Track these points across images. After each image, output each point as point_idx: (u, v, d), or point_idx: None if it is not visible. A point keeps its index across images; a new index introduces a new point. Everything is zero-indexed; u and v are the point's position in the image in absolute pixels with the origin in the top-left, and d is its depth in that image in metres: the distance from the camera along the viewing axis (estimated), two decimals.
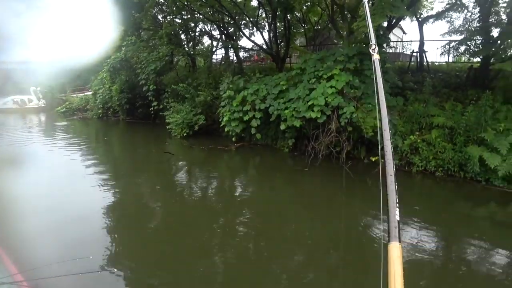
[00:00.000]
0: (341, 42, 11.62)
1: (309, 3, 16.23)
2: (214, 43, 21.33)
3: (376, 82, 1.65)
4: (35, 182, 7.96)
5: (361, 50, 9.37)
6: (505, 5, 10.34)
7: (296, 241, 5.29)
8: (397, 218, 1.19)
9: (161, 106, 16.19)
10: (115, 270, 4.23)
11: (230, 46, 17.97)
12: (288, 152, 10.81)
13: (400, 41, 18.34)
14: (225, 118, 11.85)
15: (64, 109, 23.63)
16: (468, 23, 11.21)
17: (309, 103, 9.23)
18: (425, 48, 13.45)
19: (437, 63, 14.13)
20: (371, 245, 5.08)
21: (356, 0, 10.43)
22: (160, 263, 4.58)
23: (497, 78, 9.91)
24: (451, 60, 13.93)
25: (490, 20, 10.20)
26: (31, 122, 21.35)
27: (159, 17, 20.09)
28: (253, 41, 17.96)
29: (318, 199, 7.46)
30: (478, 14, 10.77)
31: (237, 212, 6.59)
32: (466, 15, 11.75)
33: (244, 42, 30.73)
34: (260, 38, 36.68)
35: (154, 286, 4.16)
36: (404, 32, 24.03)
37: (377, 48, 1.78)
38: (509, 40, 9.05)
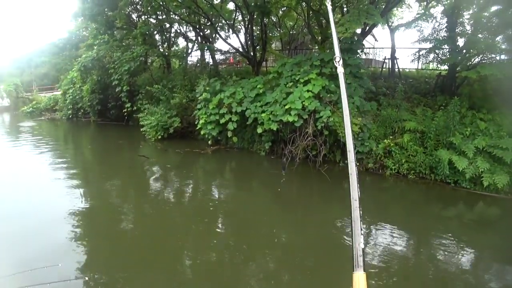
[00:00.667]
0: (316, 47, 11.80)
1: (285, 7, 16.40)
2: (190, 45, 21.12)
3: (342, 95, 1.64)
4: None
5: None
6: (468, 16, 10.96)
7: (271, 244, 5.24)
8: (362, 246, 1.19)
9: (135, 108, 15.74)
10: (86, 278, 4.05)
11: (206, 48, 17.80)
12: (265, 156, 10.81)
13: (372, 48, 18.91)
14: (201, 121, 11.66)
15: (31, 109, 22.52)
16: (436, 33, 11.71)
17: (286, 107, 9.26)
18: (396, 55, 13.99)
19: (407, 70, 14.68)
20: (344, 250, 5.10)
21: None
22: (133, 268, 4.41)
23: (463, 85, 10.44)
24: (420, 67, 14.55)
25: (456, 30, 10.73)
26: None
27: (134, 16, 19.60)
28: (229, 44, 17.92)
29: (294, 203, 7.48)
30: (446, 24, 11.30)
31: (212, 215, 6.48)
32: (434, 25, 12.30)
33: (220, 45, 30.57)
34: (236, 41, 36.63)
35: None
36: (375, 39, 24.78)
37: (341, 61, 1.81)
38: (472, 50, 9.56)
